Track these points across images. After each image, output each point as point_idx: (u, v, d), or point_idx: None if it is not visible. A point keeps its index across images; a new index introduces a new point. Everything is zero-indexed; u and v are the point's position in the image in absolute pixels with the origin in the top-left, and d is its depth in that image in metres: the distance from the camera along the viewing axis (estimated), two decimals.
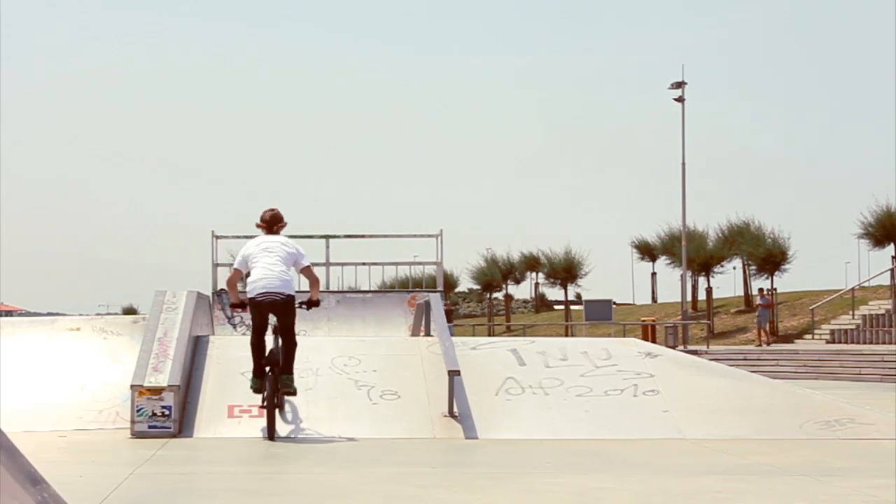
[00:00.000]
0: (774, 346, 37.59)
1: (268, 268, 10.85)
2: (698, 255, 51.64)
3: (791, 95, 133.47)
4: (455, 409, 11.18)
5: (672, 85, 47.48)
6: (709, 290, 52.01)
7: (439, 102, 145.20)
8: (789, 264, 48.08)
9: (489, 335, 50.08)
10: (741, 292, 53.46)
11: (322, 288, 16.87)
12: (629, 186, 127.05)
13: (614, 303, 53.45)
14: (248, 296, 10.89)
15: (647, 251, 63.63)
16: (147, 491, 7.45)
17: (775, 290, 46.64)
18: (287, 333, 10.94)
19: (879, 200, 45.71)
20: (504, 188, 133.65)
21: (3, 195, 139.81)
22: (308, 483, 7.92)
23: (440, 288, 16.72)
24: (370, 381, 11.75)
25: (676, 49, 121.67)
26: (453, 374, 11.18)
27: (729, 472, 8.57)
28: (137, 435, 10.59)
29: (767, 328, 40.37)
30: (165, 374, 10.94)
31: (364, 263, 17.67)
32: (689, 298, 50.34)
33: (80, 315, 14.79)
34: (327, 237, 16.99)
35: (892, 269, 41.36)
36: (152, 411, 10.69)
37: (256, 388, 10.79)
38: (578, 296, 66.41)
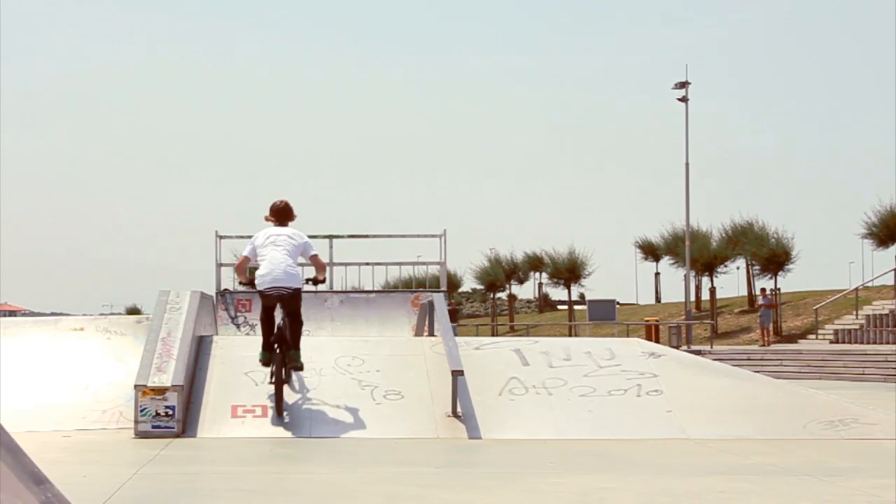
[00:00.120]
0: (778, 347, 37.56)
1: (275, 262, 11.26)
2: (702, 255, 51.60)
3: (795, 95, 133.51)
4: (458, 409, 11.18)
5: (675, 85, 47.47)
6: (712, 290, 51.97)
7: (442, 102, 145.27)
8: (793, 264, 48.04)
9: (492, 335, 50.08)
10: (745, 292, 53.43)
11: (325, 288, 16.93)
12: (633, 186, 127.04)
13: (618, 303, 53.43)
14: (257, 288, 11.32)
15: (651, 251, 63.62)
16: (151, 491, 7.46)
17: (779, 290, 46.63)
18: (293, 315, 11.39)
19: (883, 200, 45.82)
20: (507, 188, 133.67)
21: (7, 195, 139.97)
22: (311, 483, 7.92)
23: (443, 288, 16.72)
24: (374, 381, 11.76)
25: (680, 49, 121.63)
26: (457, 374, 11.18)
27: (732, 472, 8.57)
28: (141, 435, 10.60)
29: (770, 328, 40.33)
30: (169, 374, 10.95)
31: (368, 263, 17.67)
32: (692, 298, 50.33)
33: (84, 315, 14.79)
34: (331, 237, 16.99)
35: (895, 270, 41.31)
36: (156, 411, 10.70)
37: (265, 361, 11.30)
38: (582, 296, 66.37)
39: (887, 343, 35.33)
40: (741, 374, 13.02)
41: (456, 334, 13.32)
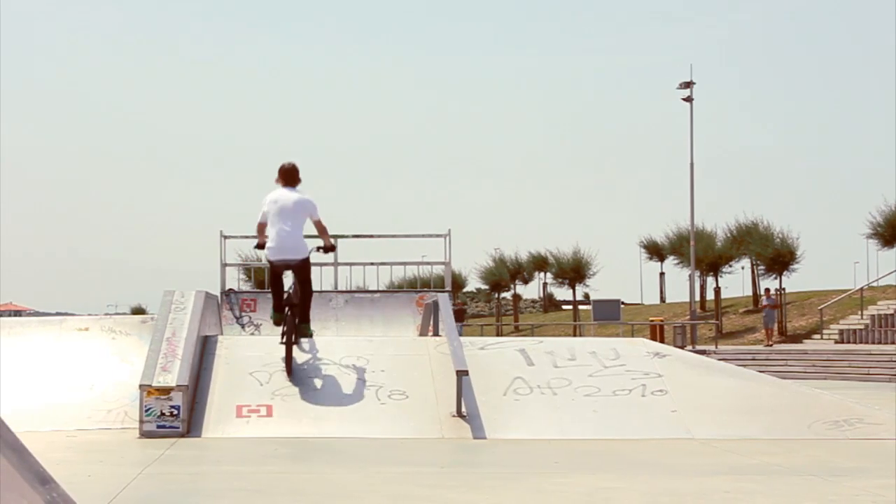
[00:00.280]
0: (783, 346, 37.52)
1: (281, 234, 11.91)
2: (707, 255, 51.57)
3: (799, 95, 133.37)
4: (463, 409, 11.17)
5: (680, 85, 47.41)
6: (717, 290, 51.96)
7: (447, 102, 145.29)
8: (798, 264, 48.01)
9: (497, 335, 50.04)
10: (750, 292, 53.40)
11: (330, 287, 16.95)
12: (637, 186, 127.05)
13: (623, 303, 53.39)
14: (266, 255, 12.10)
15: (656, 251, 63.60)
16: (155, 490, 7.46)
17: (784, 289, 46.58)
18: (304, 285, 12.19)
19: (888, 200, 45.82)
20: (512, 188, 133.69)
21: (12, 195, 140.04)
22: (316, 483, 7.92)
23: (448, 288, 16.71)
24: (378, 380, 11.75)
25: (684, 49, 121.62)
26: (461, 374, 11.18)
27: (737, 471, 8.56)
28: (146, 435, 10.61)
29: (775, 328, 40.28)
30: (174, 374, 10.96)
31: (372, 263, 17.66)
32: (697, 298, 50.31)
33: (89, 315, 14.81)
34: (335, 237, 16.95)
35: None
36: (161, 411, 10.71)
37: (276, 321, 12.35)
38: (587, 296, 66.37)
39: (892, 343, 35.28)
40: (746, 374, 13.01)
41: (462, 334, 13.33)
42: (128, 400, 11.23)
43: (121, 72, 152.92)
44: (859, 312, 40.46)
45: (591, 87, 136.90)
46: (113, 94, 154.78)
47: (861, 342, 37.09)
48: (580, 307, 61.60)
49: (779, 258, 47.50)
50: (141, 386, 10.83)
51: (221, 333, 14.23)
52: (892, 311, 38.79)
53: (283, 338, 11.92)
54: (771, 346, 38.12)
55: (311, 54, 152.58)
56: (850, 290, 46.08)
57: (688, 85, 47.17)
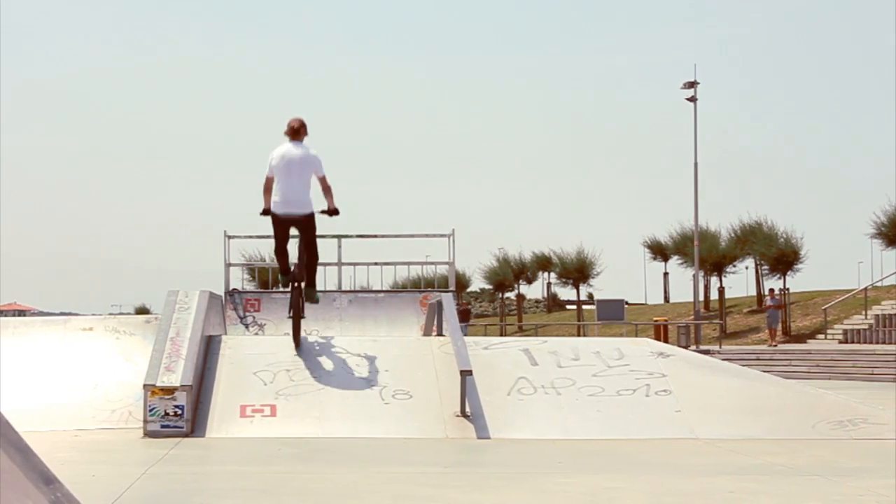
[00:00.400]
0: (787, 346, 37.50)
1: (287, 189, 12.02)
2: (711, 255, 51.57)
3: (803, 95, 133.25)
4: (467, 409, 11.17)
5: (684, 84, 47.41)
6: (721, 290, 51.94)
7: (451, 102, 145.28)
8: (802, 264, 48.03)
9: (501, 335, 50.07)
10: (754, 292, 53.37)
11: (334, 287, 16.95)
12: (641, 186, 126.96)
13: (626, 303, 53.42)
14: (272, 211, 12.10)
15: (660, 251, 63.58)
16: (159, 490, 7.47)
17: (788, 289, 46.57)
18: (309, 248, 12.35)
19: (892, 200, 45.84)
20: (516, 188, 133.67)
21: (16, 196, 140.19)
22: (320, 483, 7.92)
23: (452, 288, 16.70)
24: (382, 380, 11.75)
25: (688, 49, 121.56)
26: (465, 373, 11.18)
27: (741, 471, 8.55)
28: (150, 434, 10.61)
29: (779, 328, 40.26)
30: (178, 374, 10.96)
31: (376, 263, 17.65)
32: (701, 298, 50.28)
33: (93, 315, 14.82)
34: (339, 237, 16.98)
35: None
36: (165, 411, 10.71)
37: (284, 284, 12.78)
38: (590, 295, 66.41)
39: None
40: (750, 374, 13.00)
41: (467, 334, 13.33)
42: (132, 400, 11.23)
43: (123, 72, 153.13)
44: (863, 312, 40.44)
45: (595, 86, 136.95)
46: (116, 94, 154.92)
47: (865, 342, 37.07)
48: (584, 307, 61.64)
49: (783, 258, 47.49)
50: (145, 386, 10.83)
51: (225, 333, 14.23)
52: (895, 312, 38.76)
53: (290, 311, 12.43)
54: (775, 346, 38.10)
55: (315, 54, 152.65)
56: (854, 289, 46.07)
57: (692, 85, 47.16)
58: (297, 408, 11.24)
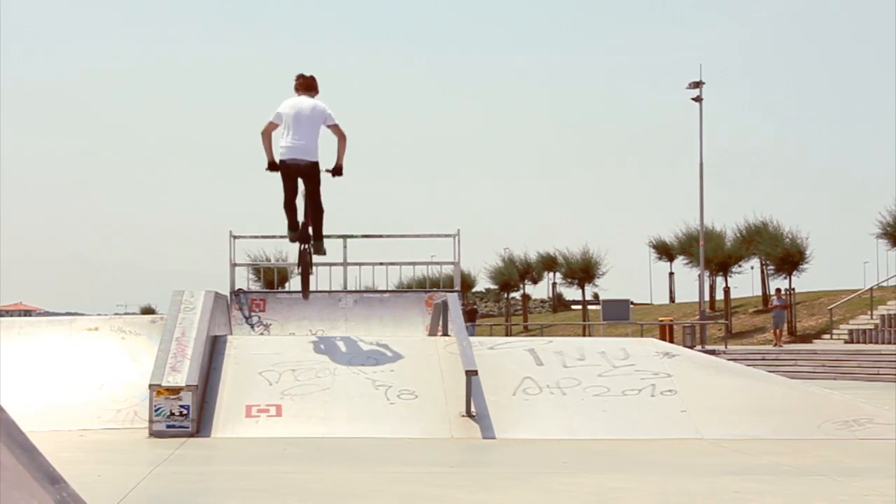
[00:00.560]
0: (793, 347, 37.46)
1: (295, 138, 12.27)
2: (716, 255, 51.54)
3: (809, 94, 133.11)
4: (472, 409, 11.17)
5: (690, 84, 47.32)
6: (726, 290, 51.93)
7: (456, 101, 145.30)
8: (807, 264, 48.00)
9: (506, 335, 50.05)
10: (759, 292, 53.39)
11: (339, 287, 16.95)
12: (646, 186, 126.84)
13: (632, 303, 53.40)
14: (278, 158, 12.40)
15: (665, 251, 63.57)
16: (165, 490, 7.47)
17: (793, 289, 46.54)
18: (313, 200, 12.62)
19: None
20: (521, 188, 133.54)
21: (21, 197, 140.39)
22: (325, 483, 7.92)
23: (457, 288, 16.70)
24: (388, 380, 11.76)
25: (694, 48, 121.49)
26: (471, 373, 11.18)
27: (747, 472, 8.55)
28: (155, 434, 10.62)
29: (785, 328, 40.23)
30: (183, 374, 10.97)
31: (381, 263, 17.65)
32: (706, 298, 50.23)
33: (99, 315, 14.82)
34: (345, 237, 16.99)
35: None
36: (170, 411, 10.72)
37: (292, 239, 13.06)
38: (596, 296, 66.41)
39: None
40: (756, 374, 12.99)
41: (474, 334, 13.35)
42: (137, 400, 11.25)
43: (126, 73, 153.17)
44: (869, 312, 40.40)
45: (601, 86, 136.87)
46: (122, 95, 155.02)
47: (871, 342, 37.02)
48: (589, 307, 61.63)
49: (788, 258, 47.47)
50: (150, 386, 10.84)
51: (231, 333, 14.24)
52: None
53: (298, 265, 13.20)
54: (780, 346, 38.08)
55: (318, 53, 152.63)
56: (859, 290, 46.01)
57: (697, 85, 47.09)
58: (303, 408, 11.25)
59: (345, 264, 17.10)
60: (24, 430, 3.34)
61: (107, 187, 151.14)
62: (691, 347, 31.11)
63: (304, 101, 12.44)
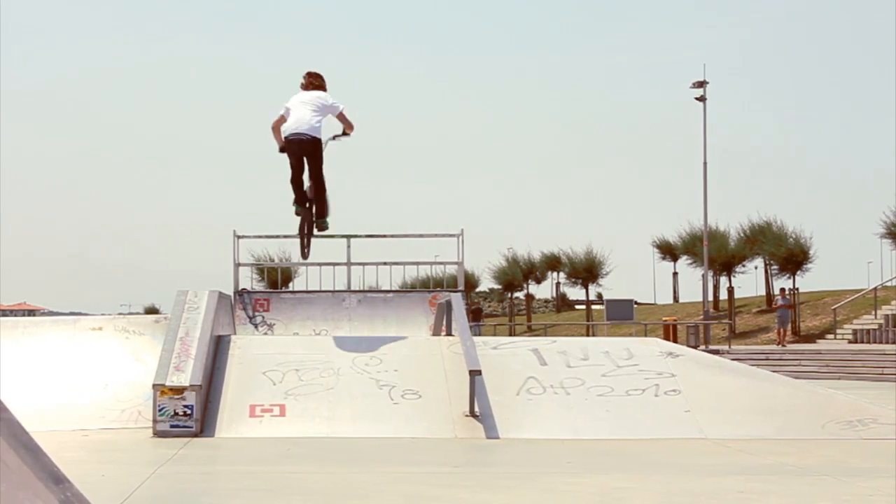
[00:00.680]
0: (797, 346, 37.43)
1: (300, 116, 12.49)
2: (720, 255, 51.52)
3: (813, 94, 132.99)
4: (476, 409, 11.17)
5: (693, 84, 47.31)
6: (730, 290, 51.91)
7: (459, 101, 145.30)
8: (811, 264, 47.97)
9: (510, 335, 50.04)
10: (763, 292, 53.34)
11: (343, 287, 16.96)
12: (650, 186, 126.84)
13: (636, 302, 53.40)
14: (284, 135, 12.51)
15: (669, 251, 63.52)
16: (169, 490, 7.47)
17: (797, 289, 46.51)
18: (315, 177, 12.73)
19: None
20: (525, 188, 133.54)
21: (25, 197, 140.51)
22: (329, 482, 7.92)
23: (461, 288, 16.70)
24: (391, 380, 11.76)
25: (697, 48, 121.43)
26: (474, 373, 11.17)
27: (751, 472, 8.54)
28: (159, 434, 10.63)
29: (788, 328, 40.21)
30: (187, 374, 10.97)
31: (385, 263, 17.65)
32: (710, 298, 50.24)
33: (103, 315, 14.82)
34: (348, 237, 16.98)
35: None
36: (174, 411, 10.73)
37: (297, 213, 13.20)
38: (599, 295, 66.36)
39: None
40: (759, 373, 12.98)
41: (479, 334, 13.35)
42: (141, 399, 11.25)
43: (129, 72, 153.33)
44: (873, 312, 40.38)
45: (604, 86, 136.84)
46: (125, 95, 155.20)
47: (875, 342, 37.00)
48: (593, 307, 61.63)
49: (792, 258, 47.44)
50: (154, 385, 10.85)
51: (235, 333, 14.24)
52: None
53: (300, 233, 13.43)
54: (784, 346, 38.07)
55: (320, 53, 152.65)
56: (863, 289, 46.01)
57: (701, 84, 47.07)
58: (307, 408, 11.25)
59: (348, 264, 17.10)
60: (27, 430, 3.34)
61: (110, 187, 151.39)
62: (695, 347, 31.08)
63: (311, 94, 12.73)
